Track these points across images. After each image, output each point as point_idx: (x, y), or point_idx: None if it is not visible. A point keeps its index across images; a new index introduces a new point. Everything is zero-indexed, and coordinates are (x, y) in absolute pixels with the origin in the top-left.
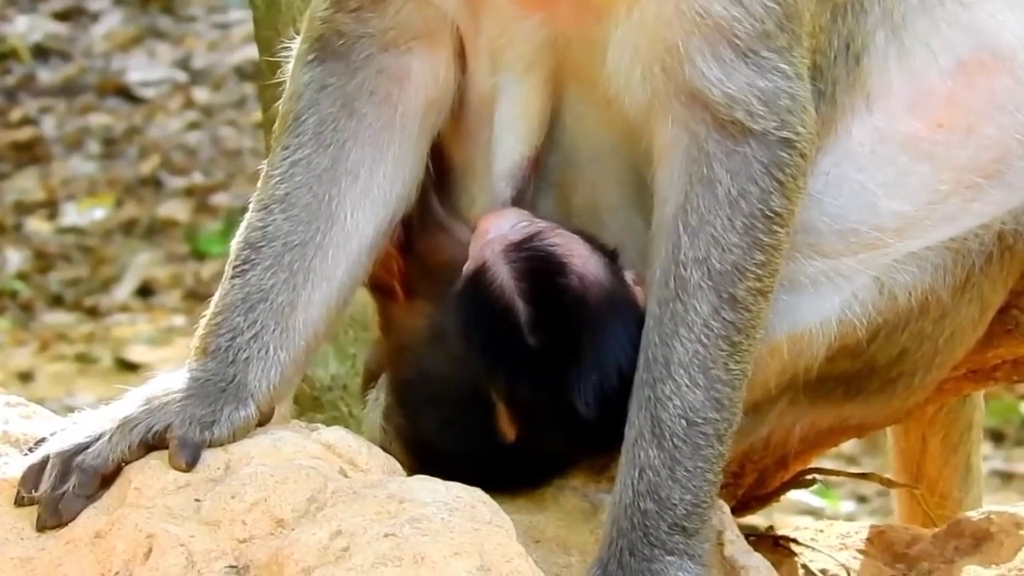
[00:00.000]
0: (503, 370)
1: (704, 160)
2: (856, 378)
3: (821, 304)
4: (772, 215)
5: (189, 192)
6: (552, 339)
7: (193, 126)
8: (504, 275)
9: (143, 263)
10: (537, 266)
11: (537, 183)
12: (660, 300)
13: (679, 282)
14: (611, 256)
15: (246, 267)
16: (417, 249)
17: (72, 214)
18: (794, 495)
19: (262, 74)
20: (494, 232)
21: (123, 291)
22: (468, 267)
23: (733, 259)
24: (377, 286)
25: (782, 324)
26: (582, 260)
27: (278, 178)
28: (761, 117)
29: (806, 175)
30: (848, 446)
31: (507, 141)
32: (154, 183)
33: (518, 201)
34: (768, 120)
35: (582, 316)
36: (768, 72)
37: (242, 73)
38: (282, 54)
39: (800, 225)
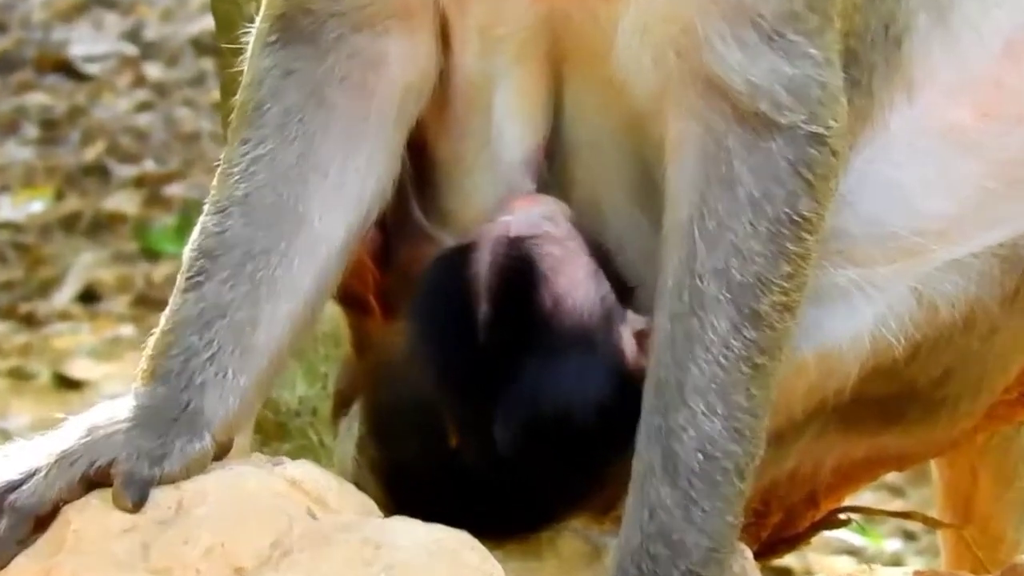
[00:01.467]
0: (441, 356)
1: (723, 157)
2: (894, 402)
3: (853, 318)
4: (800, 220)
5: (139, 182)
6: (498, 350)
7: (144, 106)
8: (483, 264)
9: (87, 264)
10: (516, 269)
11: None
12: (672, 316)
13: (694, 296)
14: (620, 292)
15: (200, 278)
16: (395, 259)
17: (6, 207)
18: (831, 534)
19: (221, 55)
20: (510, 217)
21: (64, 296)
22: (460, 239)
23: (756, 270)
24: (350, 300)
25: (809, 341)
26: (569, 283)
27: (237, 176)
28: (788, 109)
29: (838, 174)
30: (891, 475)
31: (512, 130)
32: (99, 172)
33: (541, 191)
34: (796, 112)
35: (537, 342)
36: (796, 58)
37: (200, 46)
38: (244, 38)
39: (830, 230)
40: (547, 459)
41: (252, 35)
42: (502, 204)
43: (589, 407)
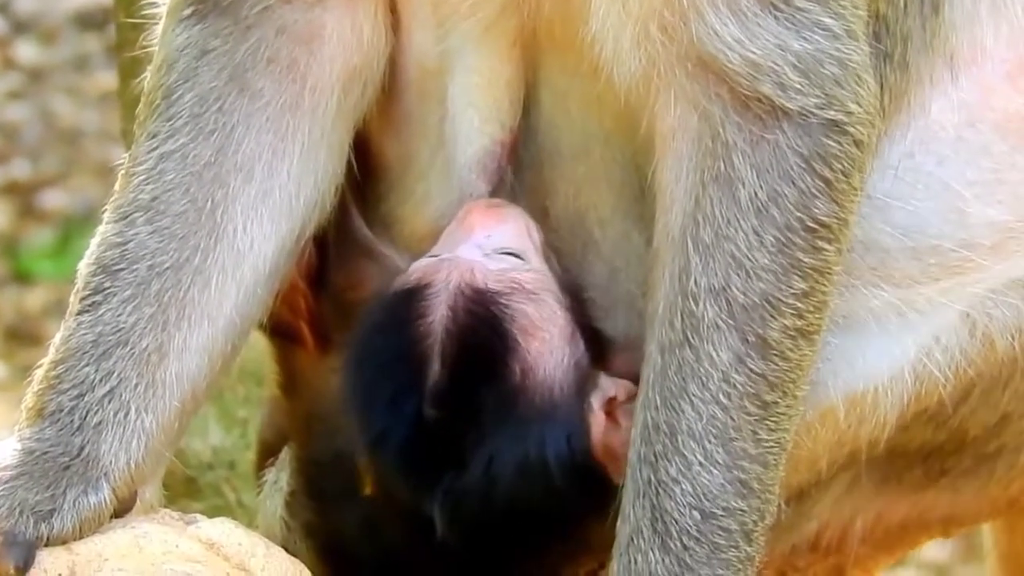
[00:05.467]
0: (377, 422)
1: (721, 152)
2: (940, 454)
3: (890, 350)
4: (816, 226)
5: (10, 189)
6: (450, 424)
7: (15, 95)
8: (439, 316)
9: None
10: (481, 332)
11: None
12: (663, 346)
13: (688, 320)
14: (595, 353)
15: (98, 298)
16: (332, 281)
17: None
18: None
19: (119, 32)
20: (471, 248)
21: None
22: (412, 274)
23: (762, 288)
24: (277, 329)
25: (836, 378)
26: (542, 350)
27: (142, 177)
28: (797, 91)
29: (863, 170)
30: (935, 549)
31: (469, 120)
32: None
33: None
34: (807, 95)
35: (499, 417)
36: (806, 29)
37: (84, 22)
38: (146, 10)
39: (858, 241)
40: (493, 551)
41: (163, 8)
42: (456, 212)
43: (549, 498)
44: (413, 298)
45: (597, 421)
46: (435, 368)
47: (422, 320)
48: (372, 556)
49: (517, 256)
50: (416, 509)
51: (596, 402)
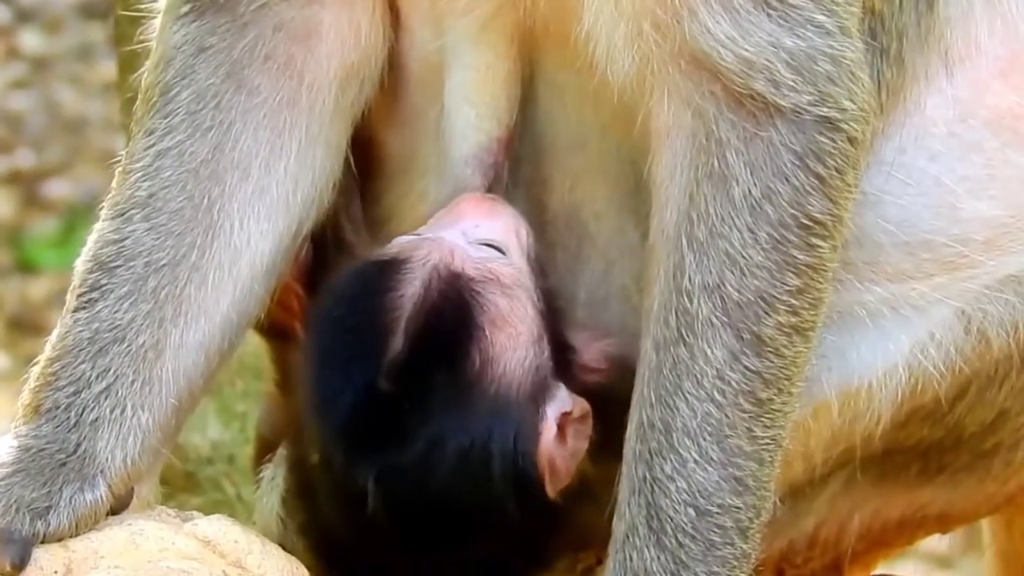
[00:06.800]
0: (329, 384)
1: (715, 149)
2: (936, 451)
3: (885, 346)
4: (810, 223)
5: (14, 178)
6: (400, 399)
7: (19, 85)
8: (410, 291)
9: None
10: (449, 314)
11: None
12: (658, 344)
13: (683, 318)
14: (560, 364)
15: (94, 295)
16: (324, 279)
17: None
18: None
19: (117, 25)
20: (456, 234)
21: None
22: (392, 248)
23: (757, 285)
24: (273, 329)
25: (831, 374)
26: (507, 343)
27: (139, 173)
28: (791, 88)
29: (857, 167)
30: (936, 541)
31: (465, 116)
32: None
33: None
34: (801, 92)
35: (451, 402)
36: (799, 26)
37: (87, 11)
38: (145, 3)
39: (852, 237)
40: (419, 534)
41: (162, 5)
42: (449, 202)
43: (483, 493)
44: (389, 270)
45: (548, 430)
46: (397, 342)
47: (393, 292)
48: (365, 555)
49: (499, 250)
50: (351, 481)
51: (551, 412)
